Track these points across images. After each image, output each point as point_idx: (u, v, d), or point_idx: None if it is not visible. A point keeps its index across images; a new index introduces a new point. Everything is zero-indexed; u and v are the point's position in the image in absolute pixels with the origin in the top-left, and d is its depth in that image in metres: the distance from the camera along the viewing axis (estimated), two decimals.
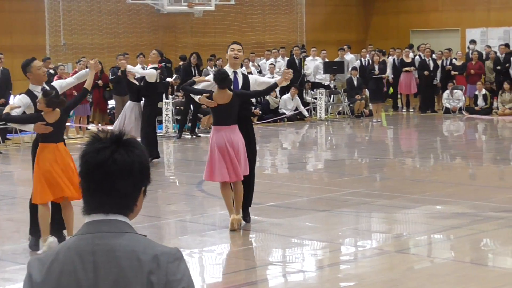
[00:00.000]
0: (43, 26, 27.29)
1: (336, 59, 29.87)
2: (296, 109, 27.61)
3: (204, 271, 9.99)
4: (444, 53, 29.81)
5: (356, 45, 32.99)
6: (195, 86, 11.59)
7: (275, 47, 30.40)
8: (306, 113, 27.72)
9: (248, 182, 11.50)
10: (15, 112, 10.04)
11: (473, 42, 30.61)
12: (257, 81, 12.07)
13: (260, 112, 27.01)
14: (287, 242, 11.19)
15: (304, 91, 28.79)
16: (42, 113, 9.85)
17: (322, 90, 28.24)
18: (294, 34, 32.78)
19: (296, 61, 29.20)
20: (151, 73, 18.03)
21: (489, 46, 30.31)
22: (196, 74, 24.46)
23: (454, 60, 29.43)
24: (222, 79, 11.18)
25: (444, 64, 29.53)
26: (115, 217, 3.08)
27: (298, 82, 28.30)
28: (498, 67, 28.42)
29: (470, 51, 29.64)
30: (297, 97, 27.55)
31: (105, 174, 3.04)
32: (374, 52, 29.77)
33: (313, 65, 29.35)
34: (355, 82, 28.74)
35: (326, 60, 29.54)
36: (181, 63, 25.74)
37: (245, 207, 11.60)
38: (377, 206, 13.22)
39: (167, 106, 24.51)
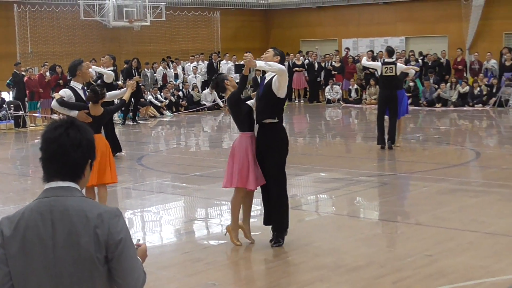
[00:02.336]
0: (14, 37, 26.71)
1: (243, 62, 29.86)
2: (214, 101, 27.66)
3: (144, 226, 9.95)
4: (326, 57, 30.20)
5: (259, 51, 33.01)
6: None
7: (197, 53, 30.31)
8: (221, 104, 27.71)
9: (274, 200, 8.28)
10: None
11: (347, 49, 31.04)
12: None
13: (186, 104, 26.98)
14: (208, 203, 11.21)
15: None
16: (89, 104, 9.39)
17: None
18: (212, 43, 32.69)
19: (214, 64, 29.22)
20: (109, 74, 16.79)
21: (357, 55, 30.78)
22: (136, 74, 24.26)
23: (333, 63, 29.80)
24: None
25: (326, 65, 29.87)
26: (67, 184, 3.07)
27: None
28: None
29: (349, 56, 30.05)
30: (215, 92, 27.59)
31: (60, 145, 3.05)
32: None
33: (226, 67, 29.31)
34: (259, 80, 28.84)
35: (236, 63, 29.56)
36: (124, 66, 25.47)
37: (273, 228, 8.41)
38: None
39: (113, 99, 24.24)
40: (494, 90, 25.60)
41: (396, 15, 31.47)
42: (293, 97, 30.47)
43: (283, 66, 8.14)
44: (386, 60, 15.92)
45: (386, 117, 15.84)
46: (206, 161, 15.57)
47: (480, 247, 8.10)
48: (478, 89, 25.76)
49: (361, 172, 13.20)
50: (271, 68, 8.02)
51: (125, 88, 10.68)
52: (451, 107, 25.72)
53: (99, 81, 16.61)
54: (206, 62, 29.51)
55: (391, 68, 15.55)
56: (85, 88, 9.93)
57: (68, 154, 3.06)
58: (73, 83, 9.77)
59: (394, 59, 16.06)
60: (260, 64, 8.03)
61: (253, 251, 8.36)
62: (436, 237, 8.59)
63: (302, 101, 30.10)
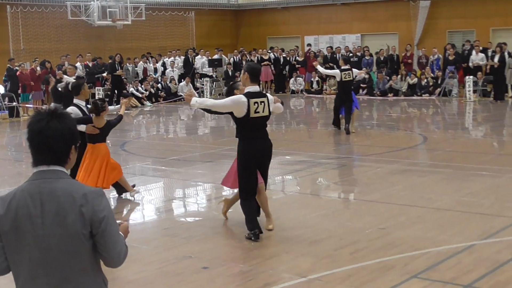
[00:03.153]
0: (7, 36, 26.30)
1: (216, 57, 29.80)
2: None
3: (128, 205, 9.89)
4: (290, 52, 30.21)
5: (230, 47, 32.95)
6: None
7: (174, 49, 30.10)
8: (196, 95, 27.65)
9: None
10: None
11: (309, 45, 31.04)
12: None
13: (164, 95, 26.86)
14: (185, 184, 11.18)
15: (195, 80, 28.74)
16: (93, 117, 9.22)
17: (207, 79, 28.24)
18: (187, 40, 32.47)
19: (190, 59, 29.07)
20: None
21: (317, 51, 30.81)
22: (119, 68, 24.06)
23: (297, 57, 29.79)
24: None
25: (291, 60, 29.86)
26: (54, 167, 3.06)
27: (190, 73, 28.28)
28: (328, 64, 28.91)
29: (310, 51, 30.07)
30: (190, 84, 27.52)
31: (43, 137, 3.03)
32: (242, 52, 29.95)
33: (201, 62, 29.23)
34: (230, 73, 28.78)
35: (210, 58, 29.46)
36: (109, 61, 25.25)
37: None
38: None
39: (98, 91, 24.09)
40: (439, 82, 25.83)
41: (352, 14, 31.54)
42: (261, 88, 30.44)
43: (212, 102, 7.71)
44: (343, 67, 16.36)
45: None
46: (183, 146, 15.52)
47: (427, 221, 8.19)
48: (425, 80, 25.97)
49: (322, 155, 13.25)
50: (200, 106, 7.65)
51: (119, 105, 10.55)
52: (401, 96, 25.91)
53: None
54: (183, 57, 29.35)
55: (349, 74, 16.18)
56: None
57: (51, 145, 3.03)
58: (76, 101, 9.66)
59: (349, 66, 16.65)
60: (193, 103, 7.57)
61: (226, 227, 8.37)
62: (388, 212, 8.66)
63: (269, 91, 30.06)
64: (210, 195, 10.45)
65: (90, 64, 25.86)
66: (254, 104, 7.56)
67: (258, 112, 7.60)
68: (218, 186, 10.81)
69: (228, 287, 6.09)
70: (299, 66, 29.48)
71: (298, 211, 8.94)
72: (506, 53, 24.03)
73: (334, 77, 25.79)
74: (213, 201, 10.02)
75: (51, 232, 2.98)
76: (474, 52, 25.45)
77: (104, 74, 24.40)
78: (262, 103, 7.66)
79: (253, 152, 7.64)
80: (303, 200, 9.83)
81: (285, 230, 7.93)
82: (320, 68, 17.54)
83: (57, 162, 3.06)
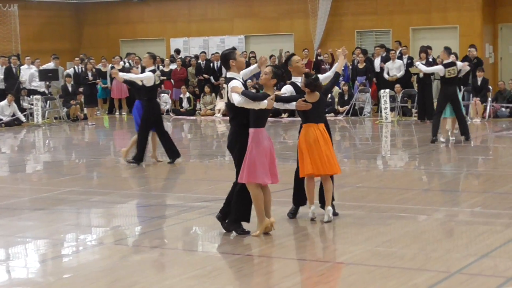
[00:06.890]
0: None
1: (50, 67, 29.41)
2: (13, 115, 27.05)
3: None
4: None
5: (71, 53, 32.64)
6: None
7: None
8: (23, 118, 27.27)
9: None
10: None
11: (177, 51, 31.18)
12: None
13: None
14: (9, 241, 10.91)
15: (20, 98, 28.25)
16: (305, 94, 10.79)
17: (38, 96, 27.85)
18: (10, 43, 31.88)
19: (13, 69, 28.54)
20: None
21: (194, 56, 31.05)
22: None
23: (161, 67, 29.88)
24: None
25: None
26: None
27: (14, 89, 27.75)
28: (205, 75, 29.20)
29: (177, 59, 30.23)
30: (14, 104, 27.04)
31: None
32: (88, 60, 29.73)
33: (28, 73, 28.81)
34: (70, 88, 28.53)
35: (41, 68, 29.06)
36: None
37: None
38: (93, 202, 13.21)
39: None
40: (346, 97, 26.58)
41: (234, 10, 32.03)
42: (114, 109, 30.33)
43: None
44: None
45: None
46: (4, 189, 15.16)
47: (332, 280, 8.36)
48: (329, 96, 26.70)
49: (195, 197, 13.28)
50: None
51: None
52: (298, 117, 26.43)
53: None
54: (5, 67, 28.69)
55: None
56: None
57: None
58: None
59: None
60: None
61: None
62: (282, 270, 8.78)
63: (124, 113, 29.90)
64: (45, 254, 10.25)
65: None
66: None
67: None
68: (54, 242, 10.64)
69: None
70: (164, 78, 29.59)
71: (166, 272, 8.93)
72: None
73: (211, 92, 26.27)
74: (49, 262, 9.84)
75: None
76: (379, 57, 26.31)
77: None
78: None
79: None
80: (172, 257, 9.83)
81: None
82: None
83: None
